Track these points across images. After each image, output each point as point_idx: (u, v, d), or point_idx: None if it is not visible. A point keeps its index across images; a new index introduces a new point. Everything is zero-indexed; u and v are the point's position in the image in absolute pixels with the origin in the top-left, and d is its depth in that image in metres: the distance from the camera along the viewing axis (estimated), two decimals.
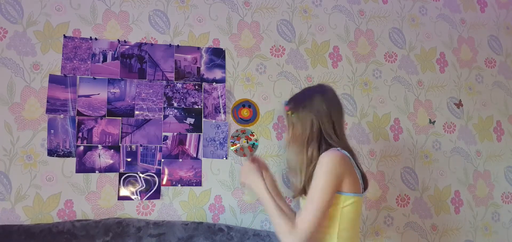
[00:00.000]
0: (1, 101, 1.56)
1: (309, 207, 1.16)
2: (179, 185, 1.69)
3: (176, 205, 1.69)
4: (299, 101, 1.32)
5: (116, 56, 1.70)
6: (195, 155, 1.72)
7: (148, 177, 1.67)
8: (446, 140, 2.06)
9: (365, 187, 1.28)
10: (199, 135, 1.74)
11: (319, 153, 1.24)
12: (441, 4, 2.18)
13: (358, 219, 1.27)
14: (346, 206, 1.20)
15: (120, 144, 1.65)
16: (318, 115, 1.26)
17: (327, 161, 1.18)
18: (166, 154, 1.69)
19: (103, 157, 1.63)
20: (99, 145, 1.63)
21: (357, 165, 1.26)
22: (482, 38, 2.23)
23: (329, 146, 1.24)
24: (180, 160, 1.70)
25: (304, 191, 1.29)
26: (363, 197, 1.27)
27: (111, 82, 1.68)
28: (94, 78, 1.66)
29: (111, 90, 1.67)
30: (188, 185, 1.70)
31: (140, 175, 1.66)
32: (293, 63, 1.90)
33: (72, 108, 1.62)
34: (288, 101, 1.39)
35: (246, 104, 1.81)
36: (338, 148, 1.24)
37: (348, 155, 1.23)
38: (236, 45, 1.85)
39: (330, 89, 1.35)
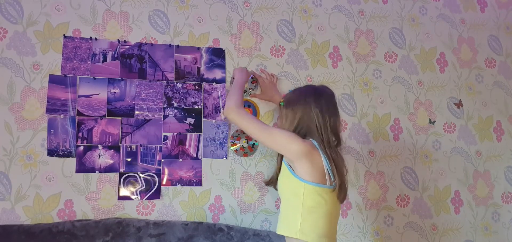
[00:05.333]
0: (1, 101, 1.57)
1: (262, 124, 1.40)
2: (179, 185, 1.69)
3: (176, 205, 1.69)
4: (294, 98, 1.40)
5: (116, 56, 1.70)
6: (195, 155, 1.72)
7: (148, 177, 1.67)
8: (446, 140, 2.06)
9: (341, 195, 1.34)
10: (199, 135, 1.74)
11: None
12: (441, 4, 2.19)
13: (323, 209, 1.32)
14: (306, 191, 1.29)
15: (120, 144, 1.65)
16: (307, 117, 1.35)
17: (295, 135, 1.33)
18: (166, 154, 1.69)
19: (103, 157, 1.63)
20: (99, 145, 1.63)
21: (335, 168, 1.31)
22: (482, 38, 2.23)
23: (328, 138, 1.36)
24: (180, 160, 1.70)
25: (275, 181, 1.49)
26: (332, 192, 1.32)
27: (111, 82, 1.68)
28: (94, 78, 1.66)
29: (111, 90, 1.68)
30: (188, 185, 1.70)
31: (140, 175, 1.66)
32: (293, 63, 1.90)
33: (72, 108, 1.62)
34: (291, 91, 1.50)
35: (246, 104, 1.81)
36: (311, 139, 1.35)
37: (318, 147, 1.31)
38: (236, 45, 1.85)
39: (327, 93, 1.40)
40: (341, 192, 1.32)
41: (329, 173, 1.30)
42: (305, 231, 1.29)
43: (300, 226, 1.29)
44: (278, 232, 1.38)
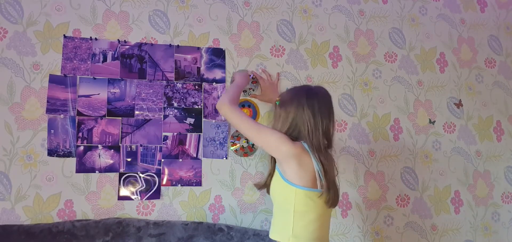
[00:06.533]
0: (1, 101, 1.57)
1: (253, 122, 1.37)
2: (179, 185, 1.69)
3: (176, 205, 1.69)
4: (288, 98, 1.37)
5: (116, 56, 1.70)
6: (195, 155, 1.72)
7: (148, 177, 1.67)
8: (446, 140, 2.06)
9: (330, 199, 1.30)
10: (199, 135, 1.74)
11: None
12: (441, 4, 2.18)
13: (314, 213, 1.30)
14: (297, 196, 1.28)
15: (120, 144, 1.65)
16: (299, 119, 1.32)
17: (286, 136, 1.31)
18: (166, 154, 1.69)
19: (103, 157, 1.63)
20: (99, 145, 1.63)
21: (324, 170, 1.28)
22: (482, 38, 2.23)
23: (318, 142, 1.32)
24: (180, 160, 1.70)
25: (268, 186, 1.44)
26: (321, 195, 1.29)
27: (111, 82, 1.68)
28: (94, 78, 1.66)
29: (111, 90, 1.68)
30: (188, 185, 1.70)
31: (140, 175, 1.66)
32: (293, 63, 1.90)
33: (72, 108, 1.62)
34: (287, 89, 1.47)
35: (246, 104, 1.81)
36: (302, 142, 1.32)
37: (309, 150, 1.29)
38: (236, 45, 1.85)
39: (321, 94, 1.36)
40: (330, 195, 1.29)
41: (320, 177, 1.28)
42: (297, 236, 1.29)
43: (292, 231, 1.29)
44: (271, 237, 1.37)
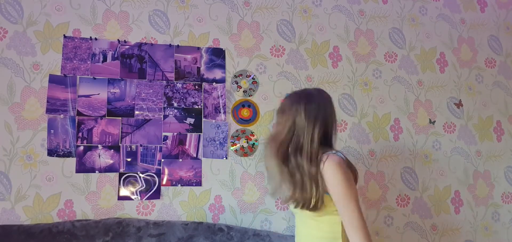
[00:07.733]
0: (1, 101, 1.57)
1: (352, 224, 1.14)
2: (179, 185, 1.69)
3: (176, 205, 1.69)
4: (287, 105, 1.27)
5: (116, 56, 1.70)
6: (195, 155, 1.72)
7: (148, 177, 1.67)
8: (446, 140, 2.06)
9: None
10: (199, 135, 1.74)
11: (296, 160, 1.20)
12: (441, 4, 2.18)
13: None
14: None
15: (120, 144, 1.65)
16: (298, 124, 1.22)
17: (338, 168, 1.15)
18: (166, 154, 1.69)
19: (103, 157, 1.63)
20: (99, 145, 1.63)
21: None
22: (482, 38, 2.23)
23: (312, 152, 1.19)
24: (180, 160, 1.70)
25: (296, 199, 1.23)
26: None
27: (111, 82, 1.68)
28: (94, 78, 1.66)
29: (111, 90, 1.68)
30: (188, 185, 1.70)
31: (140, 175, 1.66)
32: (293, 63, 1.90)
33: (72, 108, 1.62)
34: (287, 95, 1.35)
35: (246, 104, 1.81)
36: (334, 152, 1.21)
37: (343, 156, 1.22)
38: (236, 45, 1.85)
39: (321, 99, 1.27)
40: None
41: None
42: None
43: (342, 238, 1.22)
44: None
